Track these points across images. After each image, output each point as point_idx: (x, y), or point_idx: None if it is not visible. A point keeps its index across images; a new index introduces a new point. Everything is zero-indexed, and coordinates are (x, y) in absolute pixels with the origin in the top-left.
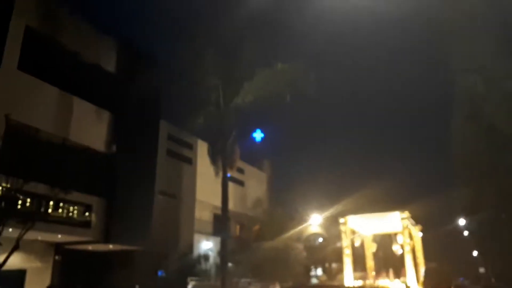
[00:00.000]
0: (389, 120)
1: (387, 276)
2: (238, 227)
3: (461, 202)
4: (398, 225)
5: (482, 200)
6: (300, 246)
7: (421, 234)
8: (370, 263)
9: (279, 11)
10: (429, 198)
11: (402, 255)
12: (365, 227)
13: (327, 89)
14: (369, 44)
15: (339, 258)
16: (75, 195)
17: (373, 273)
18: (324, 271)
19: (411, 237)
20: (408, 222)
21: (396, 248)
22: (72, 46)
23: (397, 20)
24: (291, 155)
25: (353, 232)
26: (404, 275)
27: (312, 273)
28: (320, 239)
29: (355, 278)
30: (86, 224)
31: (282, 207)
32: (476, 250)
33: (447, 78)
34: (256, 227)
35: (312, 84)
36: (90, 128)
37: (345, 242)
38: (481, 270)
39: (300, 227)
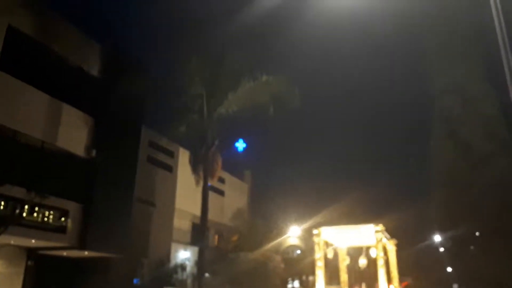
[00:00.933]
0: (370, 134)
1: None
2: (216, 237)
3: (437, 219)
4: (372, 238)
5: (457, 217)
6: (278, 258)
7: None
8: (344, 276)
9: (266, 23)
10: (405, 213)
11: (375, 270)
12: (339, 239)
13: (310, 102)
14: (351, 60)
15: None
16: (51, 200)
17: (347, 287)
18: (301, 283)
19: (385, 251)
20: (383, 236)
21: (362, 262)
22: (55, 48)
23: (380, 36)
24: (273, 167)
25: (328, 244)
26: None
27: (289, 285)
28: (298, 251)
29: None
30: (61, 229)
31: (262, 218)
32: (450, 266)
33: (428, 95)
34: (235, 237)
35: (296, 97)
36: (70, 132)
37: (318, 254)
38: (455, 286)
39: (279, 239)
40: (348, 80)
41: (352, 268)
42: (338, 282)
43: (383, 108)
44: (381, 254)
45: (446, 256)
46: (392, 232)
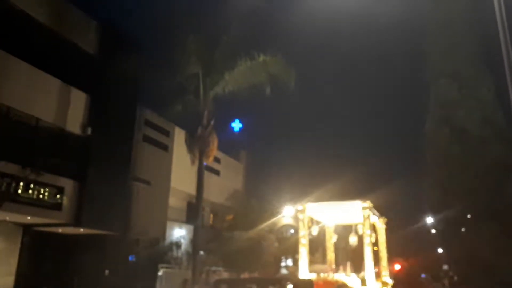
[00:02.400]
0: (365, 117)
1: (344, 269)
2: (211, 216)
3: (429, 201)
4: (360, 215)
5: (449, 200)
6: (272, 237)
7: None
8: (330, 255)
9: (264, 1)
10: (398, 194)
11: (362, 248)
12: (326, 216)
13: (307, 83)
14: (348, 42)
15: (313, 251)
16: (47, 177)
17: (333, 266)
18: (294, 262)
19: (375, 229)
20: (370, 213)
21: (353, 240)
22: (51, 25)
23: (377, 20)
24: (268, 147)
25: (316, 222)
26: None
27: (283, 263)
28: (292, 231)
29: (314, 271)
30: (57, 206)
31: (257, 198)
32: (441, 247)
33: (424, 79)
34: (230, 217)
35: (293, 77)
36: (66, 110)
37: (302, 231)
38: (445, 267)
39: (273, 219)
40: (345, 62)
41: (343, 247)
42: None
43: (379, 91)
44: (368, 231)
45: (438, 238)
46: (384, 213)
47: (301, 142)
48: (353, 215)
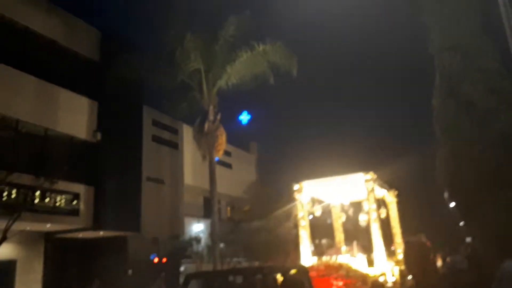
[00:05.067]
0: (371, 96)
1: (351, 250)
2: (228, 208)
3: (443, 172)
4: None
5: (463, 170)
6: (290, 224)
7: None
8: (339, 236)
9: None
10: (412, 166)
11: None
12: (328, 194)
13: (310, 68)
14: (348, 21)
15: (329, 234)
16: (61, 184)
17: (344, 247)
18: (315, 247)
19: (385, 204)
20: (375, 185)
21: (363, 218)
22: (50, 34)
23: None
24: (278, 135)
25: (318, 202)
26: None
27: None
28: (310, 216)
29: (329, 254)
30: (74, 212)
31: (271, 187)
32: (463, 220)
33: (427, 53)
34: (246, 208)
35: (294, 63)
36: (74, 117)
37: (301, 212)
38: (468, 239)
39: (289, 206)
40: (346, 42)
41: (345, 226)
42: (349, 242)
43: (386, 70)
44: (373, 206)
45: (457, 211)
46: (396, 186)
47: (310, 125)
48: (358, 191)
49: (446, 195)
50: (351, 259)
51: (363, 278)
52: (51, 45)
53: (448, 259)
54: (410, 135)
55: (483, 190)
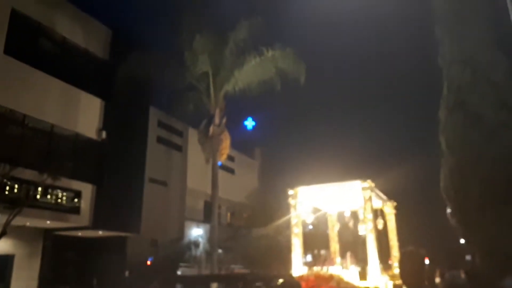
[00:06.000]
0: (378, 105)
1: (345, 262)
2: (229, 214)
3: (446, 187)
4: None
5: (468, 185)
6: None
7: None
8: (334, 245)
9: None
10: (413, 179)
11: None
12: (324, 202)
13: (317, 76)
14: (358, 30)
15: (327, 245)
16: (64, 181)
17: (338, 258)
18: (313, 257)
19: (383, 215)
20: (372, 194)
21: (362, 229)
22: (61, 31)
23: (387, 5)
24: (282, 142)
25: (315, 210)
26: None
27: (302, 259)
28: (310, 226)
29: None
30: (75, 210)
31: (273, 195)
32: (463, 238)
33: (437, 65)
34: (246, 214)
35: (303, 71)
36: (80, 115)
37: (295, 219)
38: (467, 257)
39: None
40: (355, 51)
41: (340, 236)
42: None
43: (391, 79)
44: (369, 215)
45: (458, 229)
46: (395, 198)
47: (315, 134)
48: (354, 199)
49: (448, 210)
50: (343, 271)
51: None
52: (61, 42)
53: (446, 275)
54: (413, 146)
55: (487, 207)
